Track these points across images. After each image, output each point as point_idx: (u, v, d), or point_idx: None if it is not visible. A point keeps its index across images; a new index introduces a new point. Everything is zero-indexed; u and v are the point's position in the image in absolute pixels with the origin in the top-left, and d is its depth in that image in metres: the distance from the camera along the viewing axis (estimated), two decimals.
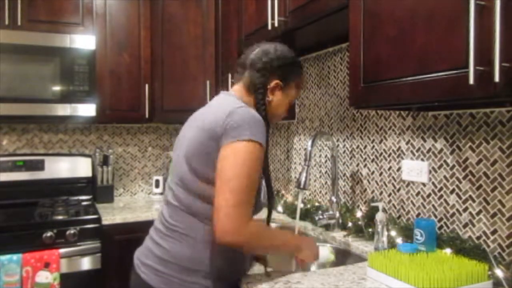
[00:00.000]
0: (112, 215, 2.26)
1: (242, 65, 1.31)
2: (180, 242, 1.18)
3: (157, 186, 2.88)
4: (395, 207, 1.62)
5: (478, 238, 1.28)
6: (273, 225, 2.09)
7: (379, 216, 1.47)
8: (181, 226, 1.19)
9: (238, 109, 1.14)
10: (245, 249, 1.17)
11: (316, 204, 2.03)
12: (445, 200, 1.40)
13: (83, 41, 2.37)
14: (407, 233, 1.39)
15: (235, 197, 1.07)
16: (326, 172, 2.03)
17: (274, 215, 2.19)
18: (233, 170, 1.08)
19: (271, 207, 1.31)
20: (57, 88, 2.31)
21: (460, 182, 1.34)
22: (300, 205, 1.65)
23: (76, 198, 2.59)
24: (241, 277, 1.27)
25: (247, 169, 1.09)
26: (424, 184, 1.48)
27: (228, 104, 1.18)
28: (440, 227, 1.41)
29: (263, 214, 1.28)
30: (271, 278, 1.23)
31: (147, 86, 2.58)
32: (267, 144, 1.20)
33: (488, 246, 1.25)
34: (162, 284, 1.16)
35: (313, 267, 1.52)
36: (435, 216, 1.43)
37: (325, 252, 1.38)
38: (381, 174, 1.69)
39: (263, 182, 1.23)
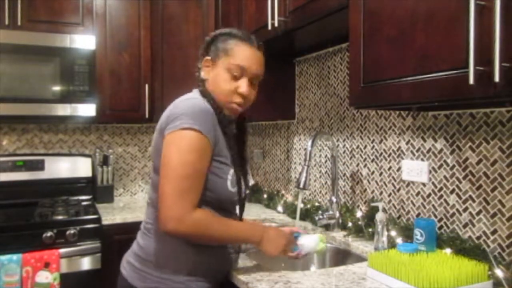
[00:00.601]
0: (112, 215, 2.26)
1: (199, 58, 1.32)
2: (151, 237, 1.20)
3: None
4: (395, 207, 1.62)
5: (478, 238, 1.28)
6: (273, 225, 2.09)
7: (379, 216, 1.47)
8: (151, 222, 1.22)
9: (182, 101, 1.16)
10: (192, 239, 1.13)
11: (316, 204, 2.03)
12: (445, 200, 1.40)
13: (83, 41, 2.36)
14: (407, 233, 1.39)
15: (176, 184, 1.06)
16: (326, 172, 2.03)
17: (274, 215, 2.19)
18: (172, 159, 1.08)
19: (243, 199, 1.28)
20: (57, 88, 2.31)
21: (460, 182, 1.34)
22: (300, 205, 1.65)
23: (76, 198, 2.58)
24: (220, 275, 1.26)
25: (186, 157, 1.08)
26: (424, 184, 1.48)
27: (177, 100, 1.20)
28: (440, 227, 1.41)
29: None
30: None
31: (147, 86, 2.58)
32: (227, 131, 1.20)
33: (488, 246, 1.25)
34: (138, 281, 1.18)
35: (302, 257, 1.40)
36: (435, 216, 1.43)
37: (312, 242, 1.30)
38: (381, 174, 1.69)
39: (230, 171, 1.19)
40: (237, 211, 1.31)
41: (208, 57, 1.26)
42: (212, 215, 1.15)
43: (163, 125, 1.16)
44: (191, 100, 1.17)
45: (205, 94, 1.22)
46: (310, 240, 1.32)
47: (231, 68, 1.22)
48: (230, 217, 1.23)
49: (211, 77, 1.25)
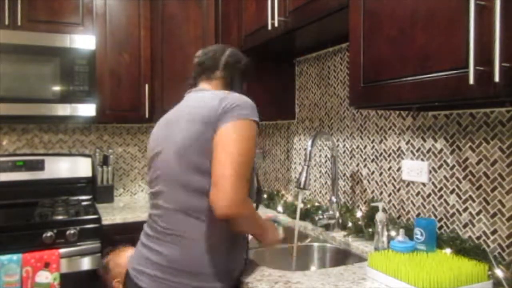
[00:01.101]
0: (112, 215, 2.26)
1: (212, 65, 1.36)
2: (177, 245, 1.15)
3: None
4: (395, 207, 1.62)
5: (478, 238, 1.28)
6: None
7: (379, 216, 1.47)
8: (176, 229, 1.16)
9: (229, 95, 1.19)
10: (239, 221, 1.13)
11: (316, 204, 2.03)
12: (445, 200, 1.40)
13: (83, 41, 2.36)
14: (407, 233, 1.39)
15: (238, 169, 1.08)
16: (326, 172, 2.03)
17: (274, 215, 2.19)
18: (236, 145, 1.10)
19: (259, 199, 1.36)
20: (57, 88, 2.31)
21: (460, 182, 1.34)
22: (300, 205, 1.65)
23: (76, 198, 2.58)
24: (239, 275, 1.27)
25: (247, 145, 1.12)
26: (424, 184, 1.48)
27: (214, 94, 1.22)
28: (440, 227, 1.41)
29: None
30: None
31: (147, 86, 2.58)
32: None
33: (488, 246, 1.25)
34: None
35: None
36: (435, 216, 1.43)
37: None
38: (381, 174, 1.69)
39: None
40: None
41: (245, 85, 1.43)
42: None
43: (211, 116, 1.15)
44: (238, 94, 1.23)
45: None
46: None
47: None
48: None
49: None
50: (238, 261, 1.25)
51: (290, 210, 2.13)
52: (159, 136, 1.28)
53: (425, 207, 1.48)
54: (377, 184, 1.71)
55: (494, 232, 1.24)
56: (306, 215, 1.97)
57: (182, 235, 1.15)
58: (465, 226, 1.33)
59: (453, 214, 1.37)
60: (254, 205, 1.31)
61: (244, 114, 1.15)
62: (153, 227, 1.22)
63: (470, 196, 1.31)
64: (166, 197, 1.20)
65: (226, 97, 1.18)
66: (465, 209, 1.33)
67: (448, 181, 1.39)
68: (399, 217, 1.59)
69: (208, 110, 1.16)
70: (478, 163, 1.29)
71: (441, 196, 1.42)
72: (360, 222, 1.66)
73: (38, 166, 2.52)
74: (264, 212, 2.26)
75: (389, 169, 1.65)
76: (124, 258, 1.66)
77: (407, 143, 1.56)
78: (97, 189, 2.62)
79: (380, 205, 1.49)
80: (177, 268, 1.14)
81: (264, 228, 1.29)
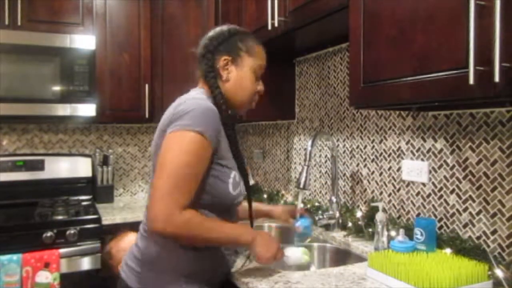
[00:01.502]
0: (112, 215, 2.26)
1: (197, 62, 1.29)
2: (149, 240, 1.18)
3: None
4: (395, 207, 1.62)
5: (478, 238, 1.28)
6: (273, 225, 2.09)
7: (379, 216, 1.47)
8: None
9: (186, 101, 1.13)
10: (180, 240, 1.10)
11: (316, 204, 2.03)
12: (445, 200, 1.40)
13: (83, 41, 2.36)
14: (407, 233, 1.39)
15: (167, 184, 1.03)
16: (326, 172, 2.03)
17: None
18: (169, 158, 1.06)
19: (249, 198, 1.31)
20: (57, 88, 2.31)
21: (460, 182, 1.34)
22: (300, 205, 1.65)
23: (76, 198, 2.58)
24: (218, 277, 1.25)
25: (184, 157, 1.05)
26: (424, 184, 1.48)
27: (181, 98, 1.18)
28: (440, 227, 1.41)
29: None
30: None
31: (147, 86, 2.58)
32: (233, 132, 1.20)
33: (488, 246, 1.25)
34: (136, 283, 1.17)
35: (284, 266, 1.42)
36: (435, 216, 1.43)
37: (297, 253, 1.32)
38: (381, 174, 1.69)
39: (232, 174, 1.18)
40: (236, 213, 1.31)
41: (228, 57, 1.23)
42: (201, 215, 1.11)
43: (165, 123, 1.14)
44: (196, 100, 1.13)
45: (216, 94, 1.20)
46: (295, 253, 1.32)
47: (256, 69, 1.26)
48: (231, 220, 1.22)
49: (234, 78, 1.24)
50: (210, 265, 1.21)
51: None
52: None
53: (425, 207, 1.48)
54: (377, 184, 1.71)
55: (494, 232, 1.24)
56: None
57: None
58: (465, 226, 1.33)
59: (453, 214, 1.37)
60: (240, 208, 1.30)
61: (188, 124, 1.07)
62: (142, 223, 1.27)
63: (470, 196, 1.31)
64: (148, 194, 1.23)
65: (180, 104, 1.12)
66: (465, 209, 1.33)
67: (448, 181, 1.39)
68: (399, 217, 1.59)
69: (165, 115, 1.16)
70: (478, 163, 1.29)
71: (441, 196, 1.42)
72: (360, 222, 1.66)
73: (38, 166, 2.52)
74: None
75: (389, 169, 1.65)
76: (126, 242, 1.70)
77: (407, 143, 1.56)
78: (97, 189, 2.62)
79: (380, 205, 1.49)
80: (148, 262, 1.16)
81: (241, 242, 1.18)
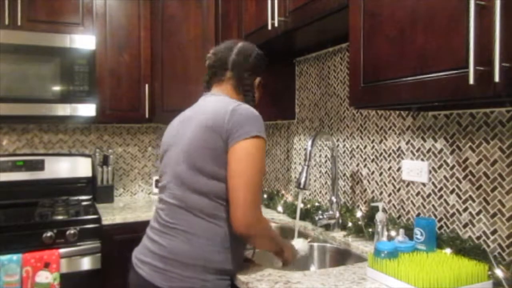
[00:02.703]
0: (112, 215, 2.26)
1: (221, 67, 1.35)
2: (177, 237, 1.20)
3: (157, 186, 2.88)
4: (395, 207, 1.62)
5: (478, 238, 1.28)
6: (273, 225, 2.09)
7: (379, 216, 1.47)
8: (178, 223, 1.21)
9: (239, 107, 1.20)
10: (256, 241, 1.25)
11: (316, 204, 2.03)
12: (445, 200, 1.40)
13: (83, 41, 2.36)
14: (407, 233, 1.39)
15: (254, 193, 1.14)
16: (326, 172, 2.03)
17: (274, 215, 2.19)
18: (248, 168, 1.15)
19: None
20: (57, 88, 2.31)
21: (460, 182, 1.34)
22: (300, 205, 1.65)
23: (76, 198, 2.58)
24: (237, 270, 1.29)
25: (258, 165, 1.16)
26: (424, 184, 1.48)
27: (225, 102, 1.23)
28: (440, 227, 1.41)
29: None
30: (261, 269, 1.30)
31: (147, 86, 2.58)
32: None
33: (488, 246, 1.25)
34: (162, 280, 1.17)
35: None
36: (435, 216, 1.43)
37: (302, 244, 1.48)
38: (381, 174, 1.69)
39: None
40: None
41: (261, 80, 1.41)
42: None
43: (222, 127, 1.18)
44: (246, 106, 1.23)
45: (253, 106, 1.29)
46: (300, 243, 1.48)
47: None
48: None
49: (257, 97, 1.42)
50: (236, 258, 1.26)
51: (290, 210, 2.13)
52: (172, 132, 1.33)
53: (425, 207, 1.48)
54: (377, 184, 1.71)
55: (494, 232, 1.24)
56: (306, 215, 1.97)
57: (186, 230, 1.20)
58: (465, 226, 1.33)
59: (453, 214, 1.37)
60: None
61: (254, 132, 1.17)
62: (157, 220, 1.27)
63: (470, 196, 1.31)
64: (170, 192, 1.25)
65: (235, 110, 1.19)
66: (465, 209, 1.33)
67: (448, 181, 1.39)
68: (399, 217, 1.59)
69: (218, 119, 1.19)
70: (478, 163, 1.29)
71: (441, 196, 1.42)
72: (360, 222, 1.66)
73: (38, 166, 2.52)
74: (263, 212, 2.25)
75: (389, 169, 1.65)
76: None
77: (407, 143, 1.56)
78: (97, 189, 2.62)
79: (380, 205, 1.49)
80: (175, 259, 1.18)
81: (280, 246, 1.35)
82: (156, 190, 2.89)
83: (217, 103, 1.25)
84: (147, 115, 2.58)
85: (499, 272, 1.13)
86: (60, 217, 2.13)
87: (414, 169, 1.51)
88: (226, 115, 1.18)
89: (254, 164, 1.16)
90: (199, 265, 1.17)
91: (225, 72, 1.35)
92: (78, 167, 2.62)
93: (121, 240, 2.19)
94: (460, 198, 1.35)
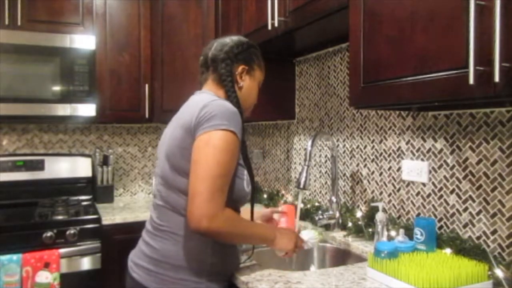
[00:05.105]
0: (112, 215, 2.26)
1: (204, 65, 1.34)
2: (168, 240, 1.19)
3: None
4: (395, 207, 1.62)
5: (478, 238, 1.28)
6: None
7: (379, 216, 1.47)
8: (167, 225, 1.21)
9: (212, 102, 1.16)
10: (220, 237, 1.15)
11: (316, 204, 2.03)
12: (445, 200, 1.40)
13: (83, 41, 2.36)
14: (407, 233, 1.39)
15: (211, 184, 1.07)
16: (326, 172, 2.03)
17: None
18: (208, 158, 1.08)
19: (253, 198, 1.32)
20: (57, 88, 2.31)
21: (460, 182, 1.34)
22: (300, 205, 1.65)
23: (76, 198, 2.58)
24: (234, 272, 1.28)
25: (222, 157, 1.09)
26: (424, 184, 1.48)
27: (202, 99, 1.20)
28: (440, 227, 1.41)
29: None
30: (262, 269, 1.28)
31: (147, 86, 2.58)
32: (243, 134, 1.21)
33: (488, 246, 1.25)
34: (154, 284, 1.17)
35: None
36: (435, 216, 1.43)
37: (311, 235, 1.42)
38: (381, 174, 1.69)
39: (245, 172, 1.23)
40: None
41: (245, 66, 1.32)
42: (237, 214, 1.19)
43: (192, 125, 1.14)
44: (221, 101, 1.18)
45: (233, 98, 1.26)
46: (309, 234, 1.42)
47: (260, 83, 1.40)
48: None
49: (246, 86, 1.33)
50: (229, 259, 1.25)
51: None
52: (162, 135, 1.34)
53: (425, 207, 1.48)
54: (377, 184, 1.71)
55: (494, 232, 1.24)
56: (306, 215, 1.97)
57: (174, 232, 1.19)
58: (465, 226, 1.33)
59: (453, 214, 1.37)
60: (247, 206, 1.32)
61: (220, 124, 1.11)
62: (151, 223, 1.28)
63: (470, 196, 1.31)
64: (159, 195, 1.25)
65: (206, 105, 1.14)
66: (465, 209, 1.33)
67: (448, 181, 1.39)
68: (399, 217, 1.59)
69: (190, 117, 1.16)
70: (478, 163, 1.29)
71: (441, 196, 1.42)
72: (360, 222, 1.66)
73: (38, 166, 2.52)
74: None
75: (389, 169, 1.65)
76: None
77: (407, 143, 1.56)
78: (97, 189, 2.62)
79: (380, 205, 1.49)
80: (166, 261, 1.18)
81: (267, 236, 1.26)
82: None
83: (194, 102, 1.23)
84: (147, 115, 2.58)
85: (499, 272, 1.13)
86: (60, 217, 2.13)
87: (414, 169, 1.51)
88: (196, 111, 1.15)
89: (215, 154, 1.08)
90: (191, 267, 1.17)
91: (208, 70, 1.32)
92: (78, 167, 2.62)
93: (121, 240, 2.19)
94: (460, 198, 1.35)
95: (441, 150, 1.41)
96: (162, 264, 1.18)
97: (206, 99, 1.18)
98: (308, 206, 2.01)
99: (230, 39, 1.34)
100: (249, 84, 1.34)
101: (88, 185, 2.64)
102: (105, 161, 2.67)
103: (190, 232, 1.15)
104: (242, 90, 1.32)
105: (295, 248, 1.31)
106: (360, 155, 1.81)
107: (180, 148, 1.17)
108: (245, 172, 1.23)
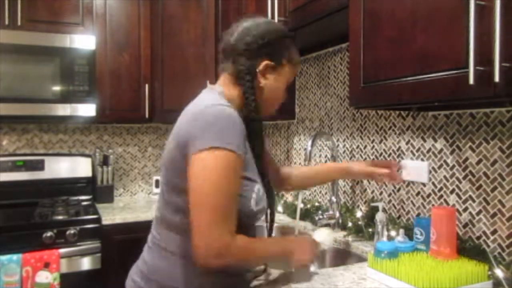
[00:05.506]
0: (112, 215, 2.26)
1: (224, 52, 1.13)
2: (160, 256, 1.08)
3: (157, 186, 2.88)
4: (395, 207, 1.62)
5: (478, 238, 1.28)
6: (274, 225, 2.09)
7: (379, 216, 1.47)
8: (161, 239, 1.10)
9: (206, 110, 0.99)
10: (234, 267, 1.03)
11: (316, 204, 2.03)
12: (445, 200, 1.40)
13: (83, 41, 2.36)
14: (407, 233, 1.39)
15: (213, 215, 0.93)
16: None
17: None
18: (204, 186, 0.94)
19: (272, 212, 1.19)
20: (57, 88, 2.31)
21: (460, 182, 1.34)
22: (300, 205, 1.65)
23: (76, 198, 2.58)
24: None
25: (220, 182, 0.94)
26: (424, 184, 1.48)
27: (200, 104, 1.03)
28: None
29: None
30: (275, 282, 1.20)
31: (147, 86, 2.58)
32: (256, 143, 1.09)
33: (488, 246, 1.25)
34: None
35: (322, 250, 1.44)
36: None
37: (325, 236, 1.37)
38: None
39: (255, 188, 1.05)
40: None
41: (270, 62, 1.10)
42: (248, 238, 1.03)
43: (183, 138, 1.00)
44: (217, 107, 0.99)
45: (250, 100, 1.08)
46: (322, 235, 1.36)
47: (290, 79, 1.17)
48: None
49: (269, 86, 1.12)
50: (224, 284, 1.08)
51: (290, 210, 2.13)
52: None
53: (425, 207, 1.48)
54: (377, 184, 1.71)
55: (494, 232, 1.24)
56: (306, 215, 1.97)
57: (165, 247, 1.08)
58: (465, 226, 1.33)
59: None
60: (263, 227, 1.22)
61: (211, 142, 0.94)
62: (150, 232, 1.18)
63: (470, 196, 1.31)
64: (157, 206, 1.15)
65: (197, 118, 0.98)
66: (465, 209, 1.33)
67: (448, 181, 1.39)
68: (399, 217, 1.59)
69: (180, 127, 1.03)
70: (478, 163, 1.29)
71: (441, 196, 1.42)
72: (360, 222, 1.66)
73: (38, 166, 2.52)
74: None
75: None
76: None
77: (407, 143, 1.56)
78: (97, 189, 2.62)
79: (380, 205, 1.49)
80: (155, 279, 1.07)
81: (283, 251, 1.12)
82: (156, 190, 2.89)
83: (195, 104, 1.07)
84: (147, 115, 2.58)
85: (499, 272, 1.13)
86: (60, 217, 2.13)
87: (414, 169, 1.51)
88: (187, 122, 1.00)
89: (211, 180, 0.93)
90: (177, 286, 1.04)
91: (227, 59, 1.12)
92: (78, 167, 2.62)
93: (121, 240, 2.19)
94: (460, 198, 1.35)
95: (441, 150, 1.41)
96: (151, 282, 1.07)
97: (202, 105, 1.01)
98: (308, 206, 2.01)
99: (256, 25, 1.10)
100: (273, 84, 1.12)
101: (88, 185, 2.64)
102: (105, 161, 2.67)
103: (180, 251, 1.05)
104: (264, 91, 1.12)
105: (313, 257, 1.17)
106: (360, 155, 1.81)
107: (171, 162, 1.04)
108: (256, 188, 1.06)
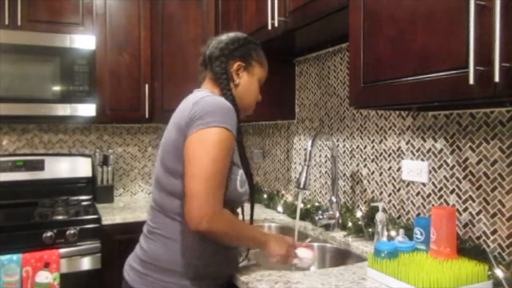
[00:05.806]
0: (112, 215, 2.26)
1: (202, 64, 1.32)
2: (157, 242, 1.19)
3: None
4: (395, 207, 1.62)
5: (478, 238, 1.28)
6: (273, 225, 2.09)
7: (379, 216, 1.47)
8: (158, 227, 1.20)
9: (204, 98, 1.13)
10: (220, 237, 1.13)
11: (316, 204, 2.03)
12: (445, 200, 1.40)
13: (83, 41, 2.37)
14: (407, 233, 1.39)
15: (208, 183, 1.05)
16: (326, 172, 2.03)
17: (274, 215, 2.19)
18: (203, 156, 1.06)
19: (253, 199, 1.31)
20: (57, 88, 2.31)
21: (460, 182, 1.34)
22: (300, 205, 1.65)
23: (76, 198, 2.59)
24: (224, 278, 1.26)
25: (216, 155, 1.07)
26: (424, 184, 1.48)
27: (195, 97, 1.17)
28: None
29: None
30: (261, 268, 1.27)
31: (147, 86, 2.58)
32: (240, 132, 1.20)
33: (488, 246, 1.25)
34: (144, 286, 1.17)
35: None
36: None
37: (308, 255, 1.33)
38: (381, 174, 1.69)
39: (239, 172, 1.20)
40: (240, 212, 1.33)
41: (241, 63, 1.29)
42: (234, 216, 1.17)
43: (184, 123, 1.12)
44: (215, 97, 1.15)
45: (228, 96, 1.23)
46: (306, 255, 1.33)
47: (261, 79, 1.36)
48: None
49: (243, 83, 1.30)
50: (217, 265, 1.22)
51: (290, 210, 2.13)
52: (162, 138, 1.31)
53: (425, 207, 1.48)
54: (377, 184, 1.71)
55: (494, 232, 1.24)
56: (306, 215, 1.97)
57: (163, 234, 1.19)
58: (465, 226, 1.33)
59: None
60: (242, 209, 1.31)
61: (212, 121, 1.08)
62: (146, 225, 1.28)
63: (470, 196, 1.31)
64: (153, 197, 1.25)
65: (198, 102, 1.12)
66: (465, 209, 1.33)
67: (448, 181, 1.39)
68: (399, 217, 1.59)
69: (181, 115, 1.15)
70: (478, 163, 1.29)
71: (441, 196, 1.41)
72: (360, 222, 1.66)
73: (38, 166, 2.52)
74: (263, 212, 2.26)
75: (389, 169, 1.65)
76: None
77: (407, 143, 1.56)
78: (97, 189, 2.62)
79: (380, 205, 1.49)
80: (154, 264, 1.18)
81: (260, 240, 1.24)
82: None
83: (188, 100, 1.21)
84: (147, 115, 2.59)
85: (499, 272, 1.13)
86: (60, 217, 2.13)
87: (414, 169, 1.51)
88: (187, 109, 1.13)
89: (208, 152, 1.06)
90: (176, 271, 1.16)
91: (205, 68, 1.31)
92: (78, 167, 2.62)
93: (121, 240, 2.19)
94: (460, 198, 1.35)
95: (441, 150, 1.41)
96: (151, 266, 1.18)
97: (198, 96, 1.16)
98: (308, 206, 2.01)
99: (226, 36, 1.31)
100: (247, 81, 1.31)
101: (88, 185, 2.65)
102: (105, 161, 2.67)
103: (179, 235, 1.16)
104: (239, 88, 1.29)
105: (286, 257, 1.28)
106: (360, 155, 1.81)
107: (173, 148, 1.15)
108: (240, 172, 1.20)
